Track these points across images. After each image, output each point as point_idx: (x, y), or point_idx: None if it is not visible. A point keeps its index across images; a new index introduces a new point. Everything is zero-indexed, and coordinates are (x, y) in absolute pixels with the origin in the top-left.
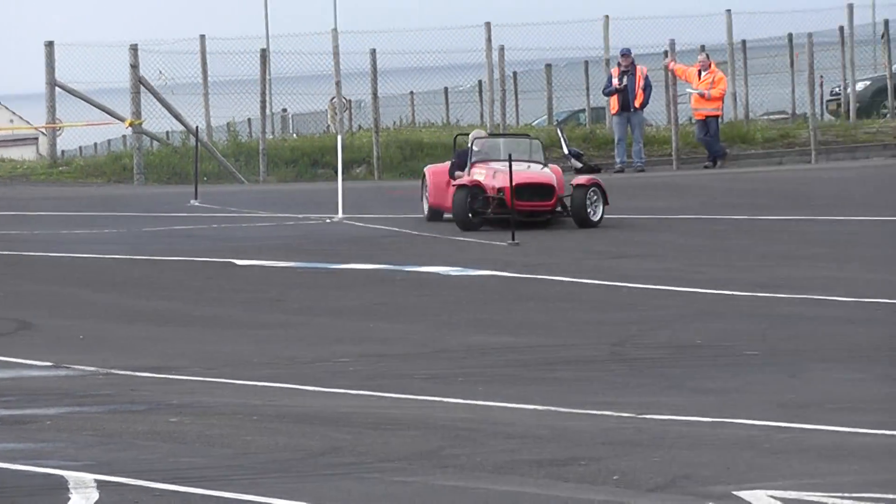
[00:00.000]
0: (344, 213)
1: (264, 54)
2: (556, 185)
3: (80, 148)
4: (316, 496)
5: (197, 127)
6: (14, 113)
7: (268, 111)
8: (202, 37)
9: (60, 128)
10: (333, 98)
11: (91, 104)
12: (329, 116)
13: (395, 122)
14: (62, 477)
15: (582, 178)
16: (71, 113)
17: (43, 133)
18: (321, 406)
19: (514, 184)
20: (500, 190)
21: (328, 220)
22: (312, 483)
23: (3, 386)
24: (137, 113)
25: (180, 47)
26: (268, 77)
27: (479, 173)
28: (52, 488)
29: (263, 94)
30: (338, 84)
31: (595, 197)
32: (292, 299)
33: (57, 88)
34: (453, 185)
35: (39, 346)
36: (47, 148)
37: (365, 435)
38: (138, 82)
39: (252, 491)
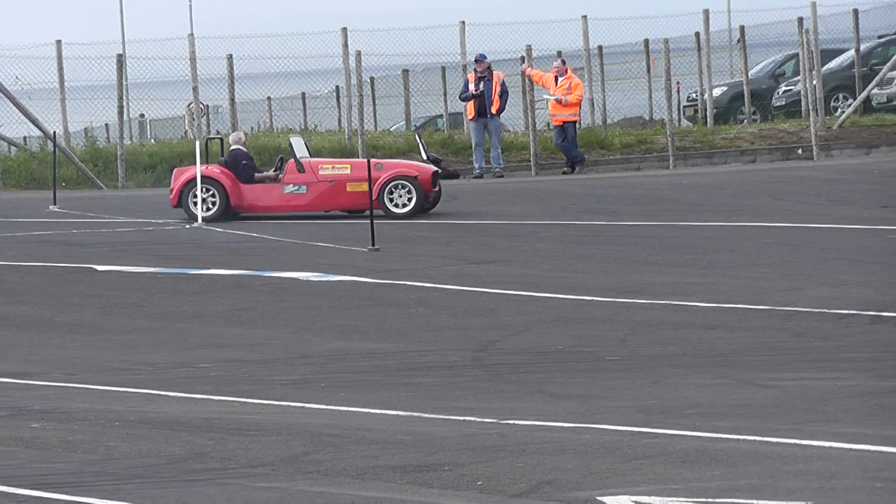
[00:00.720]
0: (203, 218)
1: (121, 59)
2: None
3: None
4: (179, 502)
5: (55, 132)
6: None
7: (125, 116)
8: (58, 42)
9: None
10: (191, 103)
11: None
12: (187, 122)
13: (252, 128)
14: None
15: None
16: None
17: None
18: (183, 412)
19: (431, 173)
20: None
21: (187, 226)
22: (176, 489)
23: None
24: None
25: (36, 52)
26: (125, 82)
27: (344, 167)
28: None
29: (121, 99)
30: (195, 89)
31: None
32: (153, 305)
33: None
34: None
35: None
36: None
37: (228, 441)
38: None
39: (115, 497)
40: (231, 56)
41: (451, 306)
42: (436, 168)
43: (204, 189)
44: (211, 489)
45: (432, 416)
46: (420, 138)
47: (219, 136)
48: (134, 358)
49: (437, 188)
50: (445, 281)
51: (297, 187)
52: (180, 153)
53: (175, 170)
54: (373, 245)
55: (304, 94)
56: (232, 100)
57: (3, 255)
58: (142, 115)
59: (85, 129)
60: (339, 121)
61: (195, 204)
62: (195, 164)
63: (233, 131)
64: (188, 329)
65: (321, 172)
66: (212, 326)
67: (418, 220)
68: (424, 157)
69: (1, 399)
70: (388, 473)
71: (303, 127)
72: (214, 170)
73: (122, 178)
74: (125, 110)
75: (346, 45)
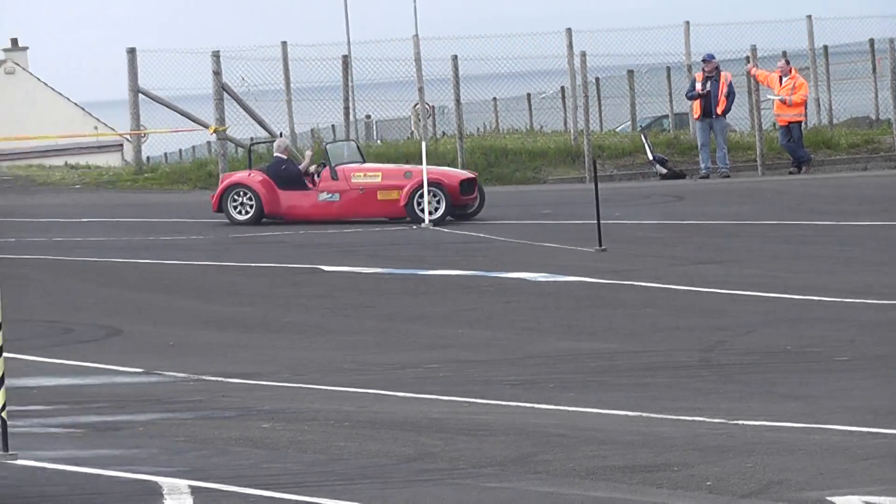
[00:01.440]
0: (430, 219)
1: (346, 60)
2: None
3: (166, 154)
4: (408, 502)
5: (281, 133)
6: (98, 119)
7: (352, 117)
8: (284, 43)
9: (145, 134)
10: (417, 104)
11: (175, 111)
12: (413, 123)
13: (478, 129)
14: (156, 483)
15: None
16: (155, 119)
17: (128, 140)
18: (412, 412)
19: (460, 180)
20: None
21: (415, 227)
22: (404, 489)
23: (94, 392)
24: (221, 119)
25: (262, 53)
26: (350, 83)
27: (375, 175)
28: (146, 494)
29: (346, 100)
30: (420, 90)
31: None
32: (380, 306)
33: (140, 95)
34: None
35: (130, 352)
36: (132, 155)
37: (456, 441)
38: (221, 89)
39: (344, 497)
40: (456, 57)
41: (678, 307)
42: (468, 176)
43: (242, 193)
44: (440, 489)
45: (660, 416)
46: (646, 139)
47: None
48: (361, 358)
49: (472, 195)
50: (672, 281)
51: (330, 195)
52: (406, 154)
53: (222, 175)
54: (600, 245)
55: (529, 94)
56: (457, 101)
57: (231, 255)
58: (368, 117)
59: (311, 130)
60: (565, 122)
61: (234, 208)
62: (245, 169)
63: (458, 133)
64: (415, 330)
65: (353, 180)
66: (438, 327)
67: (644, 221)
68: (650, 158)
69: (231, 399)
70: (617, 474)
71: (528, 128)
72: (256, 177)
73: None
74: (351, 111)
75: (570, 46)
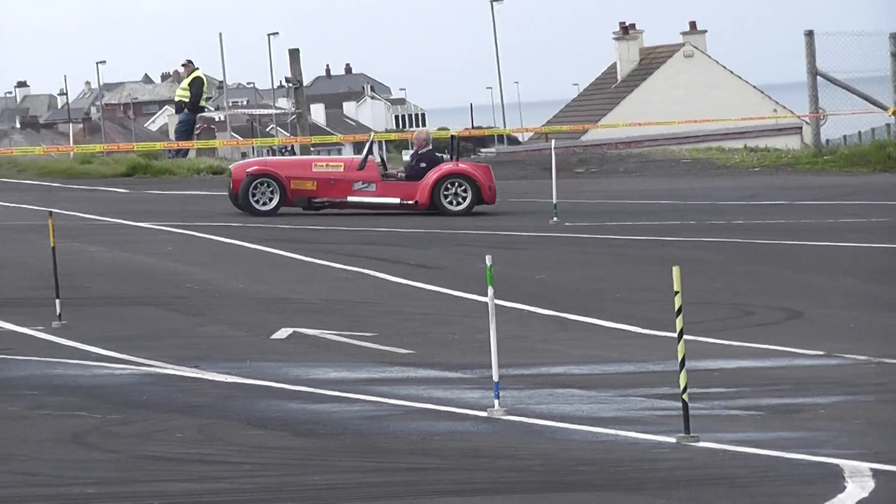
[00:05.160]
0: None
1: None
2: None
3: (844, 136)
4: None
5: None
6: (777, 102)
7: None
8: None
9: (824, 117)
10: None
11: (852, 92)
12: None
13: None
14: (837, 465)
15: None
16: (833, 101)
17: (806, 122)
18: None
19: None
20: None
21: None
22: None
23: (775, 375)
24: None
25: None
26: None
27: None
28: (827, 476)
29: None
30: None
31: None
32: None
33: (819, 77)
34: None
35: (810, 334)
36: (811, 137)
37: None
38: None
39: None
40: None
41: None
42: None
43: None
44: None
45: None
46: None
47: None
48: None
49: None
50: None
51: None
52: None
53: None
54: None
55: None
56: None
57: None
58: None
59: None
60: None
61: None
62: None
63: None
64: None
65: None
66: None
67: None
68: None
69: None
70: None
71: None
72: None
73: None
74: None
75: None
